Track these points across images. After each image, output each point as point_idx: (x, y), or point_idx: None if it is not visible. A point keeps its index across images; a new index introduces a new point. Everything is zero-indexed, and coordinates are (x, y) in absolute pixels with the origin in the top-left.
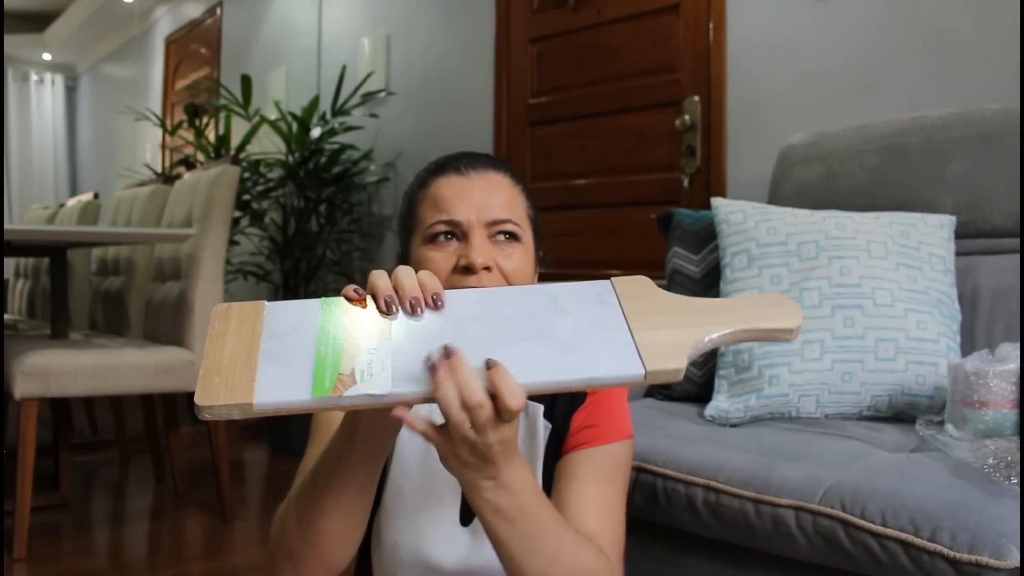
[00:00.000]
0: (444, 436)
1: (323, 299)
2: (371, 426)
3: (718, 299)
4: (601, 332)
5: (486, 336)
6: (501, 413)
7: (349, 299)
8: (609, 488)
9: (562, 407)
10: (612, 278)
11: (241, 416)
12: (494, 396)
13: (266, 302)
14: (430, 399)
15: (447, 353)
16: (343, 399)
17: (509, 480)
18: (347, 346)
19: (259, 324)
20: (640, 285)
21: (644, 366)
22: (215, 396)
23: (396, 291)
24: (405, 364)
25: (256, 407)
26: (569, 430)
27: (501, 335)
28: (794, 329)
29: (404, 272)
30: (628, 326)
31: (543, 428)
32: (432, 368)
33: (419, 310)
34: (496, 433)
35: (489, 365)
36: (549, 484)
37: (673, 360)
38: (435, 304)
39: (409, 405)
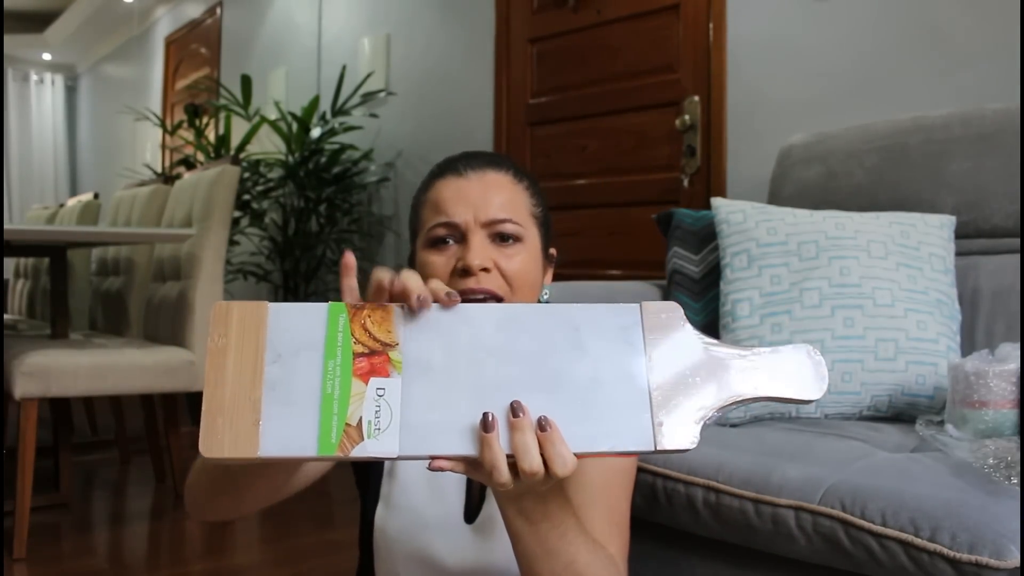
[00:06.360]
0: (482, 474)
1: (329, 306)
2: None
3: (744, 353)
4: (618, 388)
5: (501, 379)
6: (548, 475)
7: (381, 290)
8: (616, 497)
9: None
10: (642, 303)
11: (246, 463)
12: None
13: (268, 304)
14: (454, 458)
15: (515, 411)
16: (349, 457)
17: (541, 491)
18: (354, 383)
19: (262, 336)
20: (669, 316)
21: (655, 444)
22: (219, 446)
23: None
24: (416, 415)
25: (261, 457)
26: None
27: (517, 380)
28: (813, 401)
29: (411, 275)
30: (648, 383)
31: None
32: (488, 425)
33: (455, 301)
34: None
35: (542, 426)
36: None
37: (685, 440)
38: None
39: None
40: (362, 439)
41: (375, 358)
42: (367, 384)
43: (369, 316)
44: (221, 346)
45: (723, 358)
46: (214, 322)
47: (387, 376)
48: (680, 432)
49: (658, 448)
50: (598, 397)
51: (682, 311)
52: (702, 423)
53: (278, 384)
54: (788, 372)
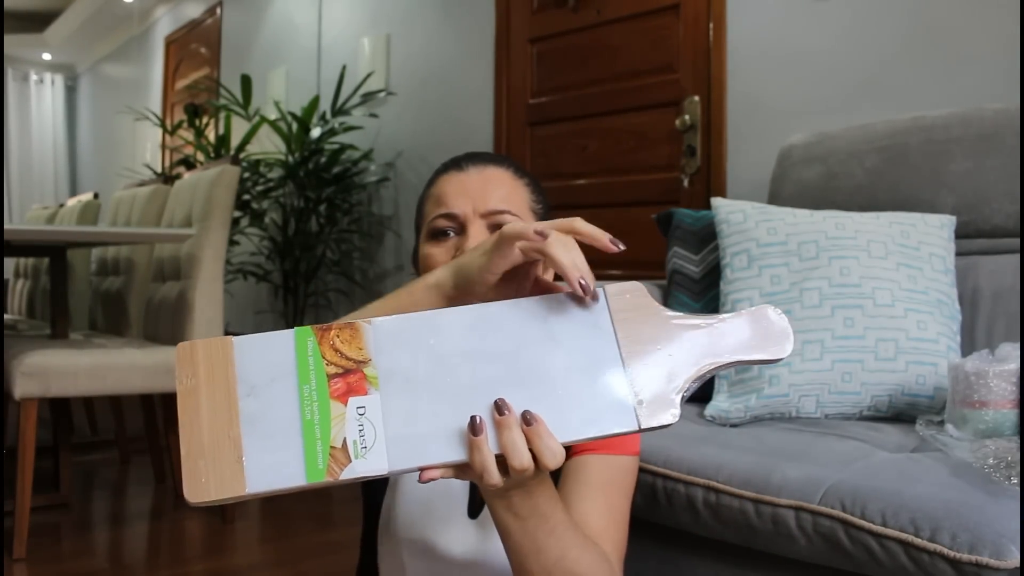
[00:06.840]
0: (473, 476)
1: (295, 332)
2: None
3: (710, 321)
4: (595, 373)
5: (479, 380)
6: (539, 468)
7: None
8: (615, 494)
9: None
10: (604, 286)
11: (234, 502)
12: (532, 455)
13: (232, 338)
14: (440, 467)
15: (499, 409)
16: (339, 481)
17: (529, 485)
18: (333, 405)
19: (231, 371)
20: (634, 296)
21: (639, 424)
22: (205, 490)
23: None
24: (400, 428)
25: (249, 495)
26: None
27: (495, 379)
28: (783, 359)
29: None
30: (623, 364)
31: None
32: (476, 428)
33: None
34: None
35: (527, 420)
36: (554, 482)
37: (666, 415)
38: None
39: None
40: (350, 460)
41: (350, 377)
42: (346, 404)
43: (337, 335)
44: (191, 387)
45: (691, 329)
46: (179, 364)
47: (365, 394)
48: (661, 408)
49: (642, 427)
50: (576, 385)
51: (645, 289)
52: (681, 395)
53: (255, 417)
54: (755, 334)
